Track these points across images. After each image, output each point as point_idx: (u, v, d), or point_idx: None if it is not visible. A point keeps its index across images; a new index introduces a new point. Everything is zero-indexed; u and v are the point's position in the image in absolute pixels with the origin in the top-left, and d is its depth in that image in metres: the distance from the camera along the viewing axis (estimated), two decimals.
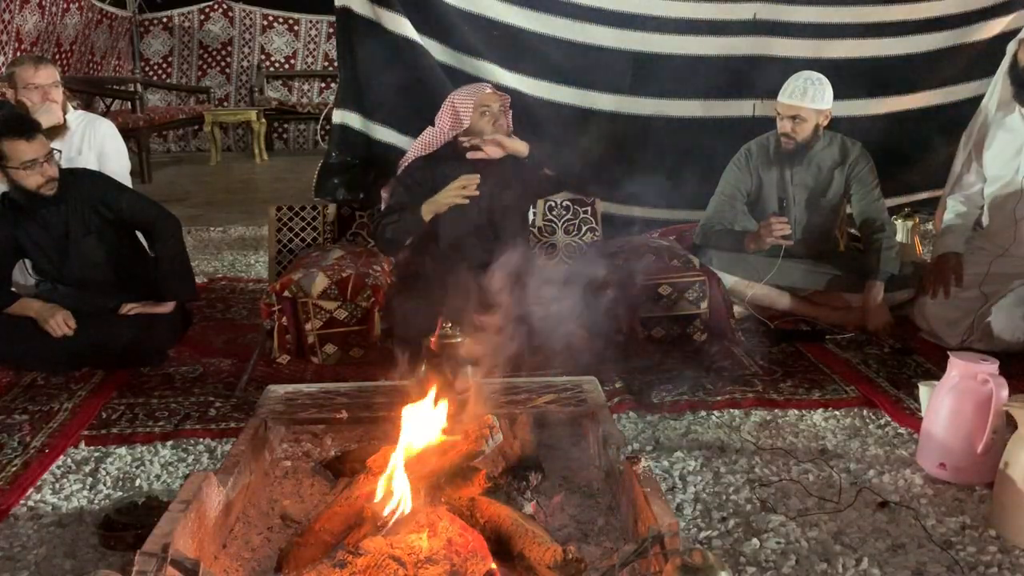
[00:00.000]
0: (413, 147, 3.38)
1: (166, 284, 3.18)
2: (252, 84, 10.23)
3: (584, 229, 3.88)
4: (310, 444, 2.38)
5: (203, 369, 3.09)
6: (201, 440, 2.51)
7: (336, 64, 4.83)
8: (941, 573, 1.83)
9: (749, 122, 4.37)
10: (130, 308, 3.11)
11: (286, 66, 10.38)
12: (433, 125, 3.33)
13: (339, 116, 4.26)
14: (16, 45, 6.88)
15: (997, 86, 3.36)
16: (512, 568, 1.66)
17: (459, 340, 2.31)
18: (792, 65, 3.69)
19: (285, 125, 10.35)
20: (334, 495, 1.91)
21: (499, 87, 4.17)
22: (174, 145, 10.21)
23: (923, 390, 2.58)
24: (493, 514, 1.74)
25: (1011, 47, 3.30)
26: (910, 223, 4.20)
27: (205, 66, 10.25)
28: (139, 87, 9.35)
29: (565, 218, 3.87)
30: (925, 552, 1.90)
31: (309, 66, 10.45)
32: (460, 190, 3.10)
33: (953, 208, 3.46)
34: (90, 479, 2.27)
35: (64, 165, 3.22)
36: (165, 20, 10.03)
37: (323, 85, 10.45)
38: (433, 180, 3.23)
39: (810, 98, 3.34)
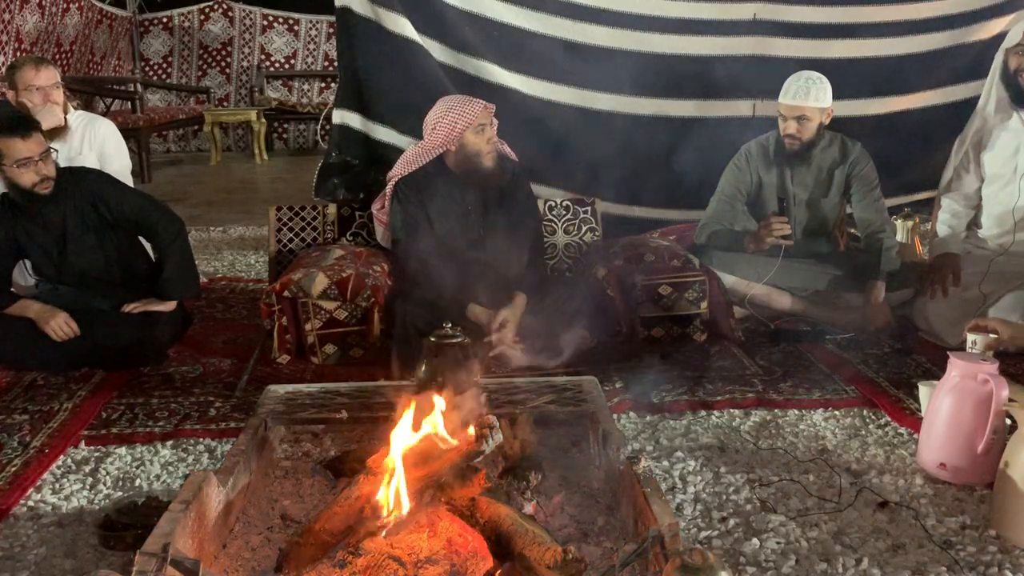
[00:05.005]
0: (399, 164, 3.36)
1: (168, 285, 3.18)
2: (252, 84, 10.22)
3: (584, 229, 3.88)
4: (310, 444, 2.38)
5: (203, 369, 3.09)
6: (201, 440, 2.51)
7: (336, 64, 4.83)
8: (941, 573, 1.83)
9: (749, 122, 4.37)
10: (131, 307, 3.11)
11: (286, 66, 10.38)
12: None
13: (339, 116, 4.26)
14: (16, 45, 6.88)
15: (992, 92, 3.36)
16: (512, 568, 1.66)
17: (459, 340, 2.31)
18: (792, 65, 3.69)
19: (285, 125, 10.35)
20: (334, 495, 1.91)
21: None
22: (174, 145, 10.21)
23: (923, 390, 2.58)
24: (493, 514, 1.74)
25: (999, 55, 3.31)
26: (910, 223, 4.20)
27: (205, 66, 10.25)
28: (139, 87, 9.35)
29: (565, 218, 3.87)
30: (925, 552, 1.91)
31: (309, 66, 10.45)
32: None
33: (949, 208, 3.46)
34: (90, 479, 2.27)
35: (64, 165, 3.22)
36: (165, 20, 10.03)
37: (323, 85, 10.45)
38: (423, 200, 3.27)
39: (813, 97, 3.35)
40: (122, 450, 2.44)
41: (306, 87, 10.50)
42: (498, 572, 1.61)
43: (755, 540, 1.94)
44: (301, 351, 3.15)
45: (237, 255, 4.97)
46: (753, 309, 3.50)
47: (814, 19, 4.47)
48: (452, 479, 1.84)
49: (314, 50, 10.43)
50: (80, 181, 3.14)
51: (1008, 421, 2.14)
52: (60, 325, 2.97)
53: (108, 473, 2.31)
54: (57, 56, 7.71)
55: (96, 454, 2.42)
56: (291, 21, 10.31)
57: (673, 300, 3.26)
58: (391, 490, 1.70)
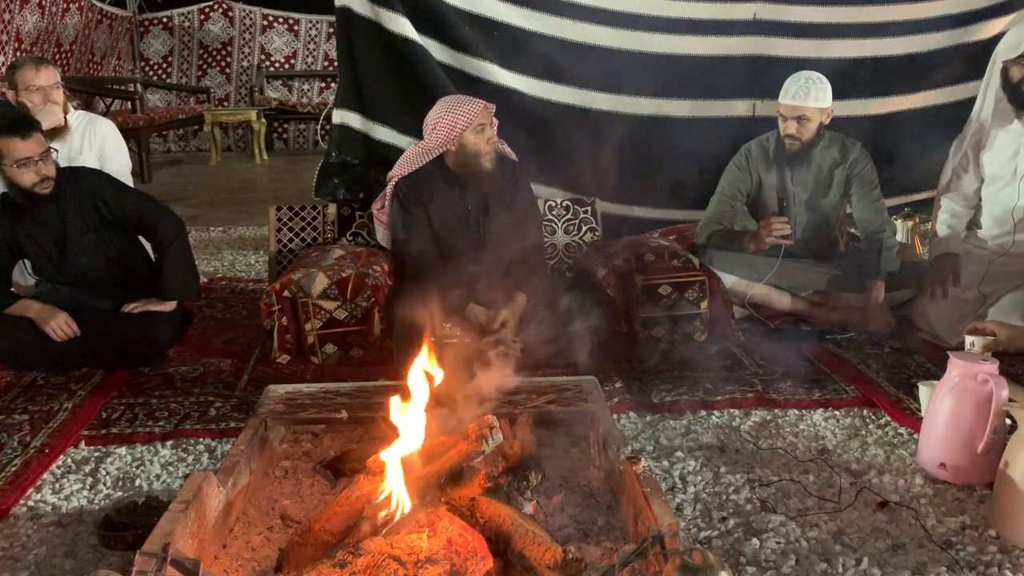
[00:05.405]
0: (399, 164, 3.36)
1: (168, 285, 3.18)
2: (252, 84, 10.23)
3: (584, 229, 3.88)
4: (310, 444, 2.38)
5: (203, 369, 3.09)
6: (201, 440, 2.51)
7: (336, 64, 4.84)
8: (941, 573, 1.83)
9: (749, 122, 4.37)
10: (132, 307, 3.11)
11: (286, 66, 10.39)
12: None
13: (339, 116, 4.26)
14: (16, 45, 6.88)
15: (988, 98, 3.35)
16: (512, 568, 1.66)
17: (459, 339, 2.31)
18: (792, 65, 3.69)
19: (285, 125, 10.35)
20: (334, 495, 1.91)
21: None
22: (174, 145, 10.21)
23: (923, 390, 2.58)
24: (493, 514, 1.74)
25: (995, 62, 3.29)
26: (910, 223, 4.20)
27: (205, 66, 10.25)
28: (139, 87, 9.36)
29: (565, 218, 3.88)
30: (925, 552, 1.91)
31: (309, 66, 10.45)
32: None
33: (948, 208, 3.46)
34: (90, 479, 2.27)
35: (64, 165, 3.22)
36: (165, 20, 10.04)
37: (323, 85, 10.46)
38: (422, 200, 3.26)
39: (813, 97, 3.34)
40: (122, 450, 2.44)
41: (306, 87, 10.51)
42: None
43: (755, 540, 1.94)
44: (301, 351, 3.15)
45: (237, 255, 4.97)
46: (753, 309, 3.50)
47: (814, 19, 4.47)
48: (452, 479, 1.85)
49: (314, 50, 10.43)
50: (80, 181, 3.14)
51: (1008, 421, 2.14)
52: (60, 325, 2.97)
53: (108, 473, 2.31)
54: (57, 56, 7.71)
55: (96, 454, 2.42)
56: (291, 21, 10.32)
57: (673, 300, 3.26)
58: (392, 490, 1.70)
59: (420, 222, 3.27)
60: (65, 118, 3.58)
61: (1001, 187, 3.32)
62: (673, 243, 3.69)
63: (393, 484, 1.71)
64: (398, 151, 3.80)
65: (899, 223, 4.12)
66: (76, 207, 3.11)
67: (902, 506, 2.10)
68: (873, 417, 2.64)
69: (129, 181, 3.62)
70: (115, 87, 9.02)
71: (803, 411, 2.68)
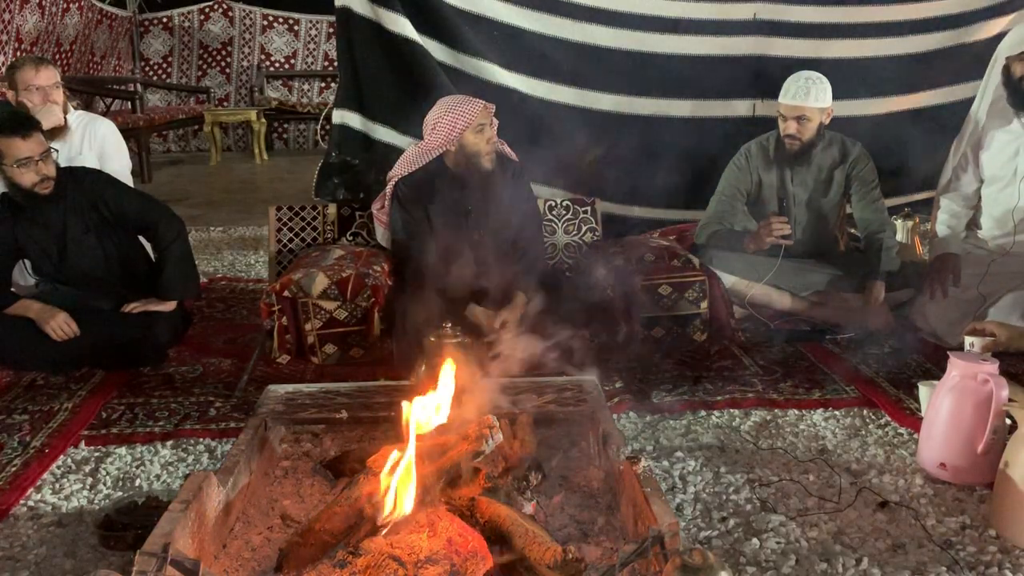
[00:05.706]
0: (399, 164, 3.36)
1: (168, 284, 3.18)
2: (252, 84, 10.23)
3: (584, 229, 3.88)
4: (310, 444, 2.38)
5: (203, 369, 3.09)
6: (201, 440, 2.51)
7: (336, 64, 4.84)
8: (941, 573, 1.83)
9: (749, 122, 4.37)
10: (132, 307, 3.11)
11: (286, 66, 10.39)
12: None
13: (339, 116, 4.26)
14: (16, 45, 6.88)
15: (987, 96, 3.35)
16: (512, 568, 1.67)
17: (459, 340, 2.31)
18: (792, 65, 3.69)
19: (285, 125, 10.35)
20: (334, 495, 1.91)
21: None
22: (174, 145, 10.21)
23: (923, 390, 2.58)
24: (493, 514, 1.74)
25: (997, 60, 3.30)
26: (910, 223, 4.20)
27: (205, 66, 10.25)
28: (139, 87, 9.36)
29: (565, 218, 3.87)
30: (925, 552, 1.91)
31: (309, 66, 10.45)
32: None
33: (948, 208, 3.47)
34: (90, 479, 2.27)
35: (64, 165, 3.22)
36: (165, 20, 10.04)
37: (323, 85, 10.46)
38: (422, 200, 3.26)
39: (813, 97, 3.34)
40: (122, 450, 2.44)
41: (306, 87, 10.51)
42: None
43: (755, 540, 1.94)
44: (301, 351, 3.15)
45: (237, 255, 4.97)
46: (753, 309, 3.50)
47: (814, 19, 4.47)
48: (452, 479, 1.85)
49: (314, 50, 10.43)
50: (80, 181, 3.14)
51: (1008, 421, 2.15)
52: (60, 325, 2.97)
53: (108, 473, 2.31)
54: (57, 56, 7.71)
55: (96, 454, 2.42)
56: (291, 21, 10.31)
57: (673, 300, 3.26)
58: (394, 489, 1.70)
59: (420, 222, 3.27)
60: (65, 118, 3.58)
61: (1001, 188, 3.32)
62: (673, 243, 3.69)
63: (395, 484, 1.71)
64: (398, 151, 3.80)
65: (899, 223, 4.12)
66: (76, 207, 3.11)
67: (902, 506, 2.10)
68: (873, 417, 2.64)
69: (129, 181, 3.62)
70: (115, 87, 9.02)
71: (803, 411, 2.68)
